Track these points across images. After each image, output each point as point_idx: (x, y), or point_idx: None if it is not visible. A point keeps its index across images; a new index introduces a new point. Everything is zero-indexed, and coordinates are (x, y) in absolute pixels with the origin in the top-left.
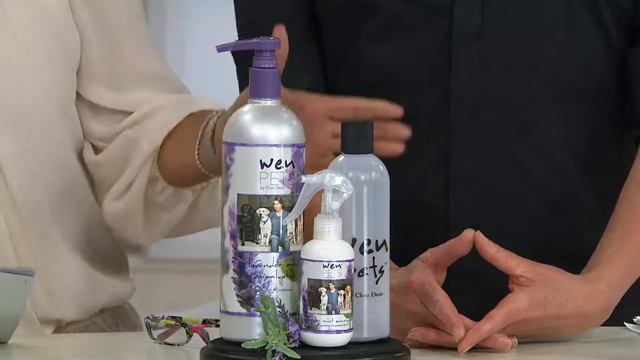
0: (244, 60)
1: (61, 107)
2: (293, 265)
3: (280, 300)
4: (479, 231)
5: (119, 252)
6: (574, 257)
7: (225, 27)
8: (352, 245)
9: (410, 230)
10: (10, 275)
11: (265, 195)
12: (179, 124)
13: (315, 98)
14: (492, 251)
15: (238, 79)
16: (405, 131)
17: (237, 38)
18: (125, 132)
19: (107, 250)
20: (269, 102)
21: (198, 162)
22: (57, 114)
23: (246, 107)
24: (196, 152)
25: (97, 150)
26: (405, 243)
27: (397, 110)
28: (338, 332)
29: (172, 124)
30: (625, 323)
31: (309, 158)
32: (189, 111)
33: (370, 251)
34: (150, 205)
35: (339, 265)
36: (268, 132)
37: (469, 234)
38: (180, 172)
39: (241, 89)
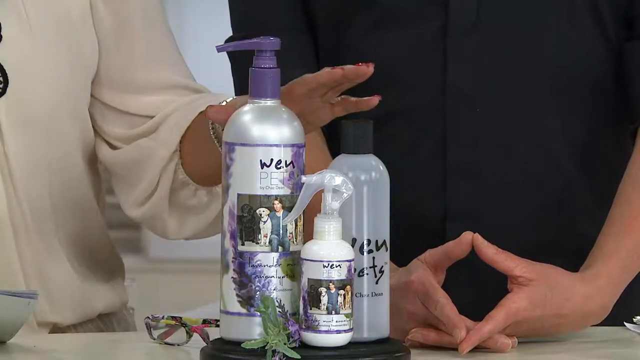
0: (239, 57)
1: (72, 112)
2: (293, 265)
3: (280, 300)
4: (477, 233)
5: (116, 258)
6: (572, 252)
7: (225, 27)
8: (352, 245)
9: (408, 224)
10: (14, 298)
11: (265, 195)
12: (191, 124)
13: (297, 81)
14: (491, 253)
15: (232, 75)
16: (375, 100)
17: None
18: (140, 140)
19: (104, 256)
20: (269, 102)
21: (218, 146)
22: (67, 119)
23: (246, 107)
24: (214, 140)
25: (114, 147)
26: (403, 237)
27: (368, 69)
28: (338, 332)
29: (185, 125)
30: (625, 323)
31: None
32: (199, 109)
33: (370, 251)
34: (180, 208)
35: (339, 265)
36: (268, 132)
37: (467, 236)
38: (207, 168)
39: (236, 85)
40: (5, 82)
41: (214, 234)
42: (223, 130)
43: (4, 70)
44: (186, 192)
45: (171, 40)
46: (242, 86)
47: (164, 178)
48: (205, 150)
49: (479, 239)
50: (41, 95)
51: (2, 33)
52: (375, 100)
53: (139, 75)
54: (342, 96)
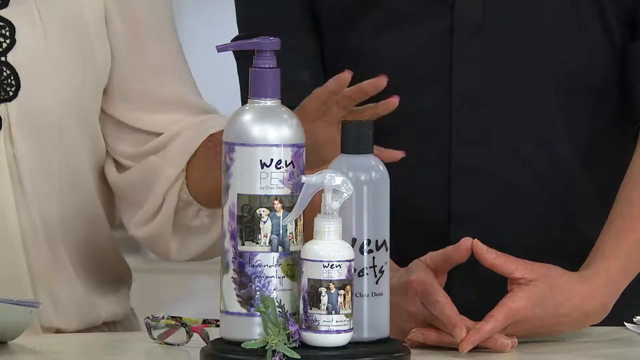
0: (244, 57)
1: (81, 121)
2: (293, 265)
3: (280, 300)
4: (476, 239)
5: (123, 268)
6: (574, 250)
7: (224, 27)
8: (352, 245)
9: (412, 223)
10: (16, 307)
11: (265, 195)
12: (200, 146)
13: (308, 98)
14: (491, 257)
15: (238, 74)
16: (394, 100)
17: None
18: (149, 158)
19: (111, 265)
20: (269, 102)
21: None
22: (76, 128)
23: (246, 107)
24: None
25: (121, 167)
26: (407, 237)
27: (381, 80)
28: (338, 332)
29: (193, 147)
30: (625, 323)
31: (310, 159)
32: (208, 133)
33: (370, 251)
34: (184, 228)
35: (339, 265)
36: (268, 132)
37: (466, 242)
38: (213, 189)
39: (241, 84)
40: (18, 85)
41: (216, 256)
42: None
43: (17, 73)
44: (190, 212)
45: (181, 57)
46: (247, 85)
47: (169, 197)
48: (213, 172)
49: (478, 244)
50: (51, 100)
51: (16, 37)
52: (395, 100)
53: (149, 88)
54: (358, 107)
